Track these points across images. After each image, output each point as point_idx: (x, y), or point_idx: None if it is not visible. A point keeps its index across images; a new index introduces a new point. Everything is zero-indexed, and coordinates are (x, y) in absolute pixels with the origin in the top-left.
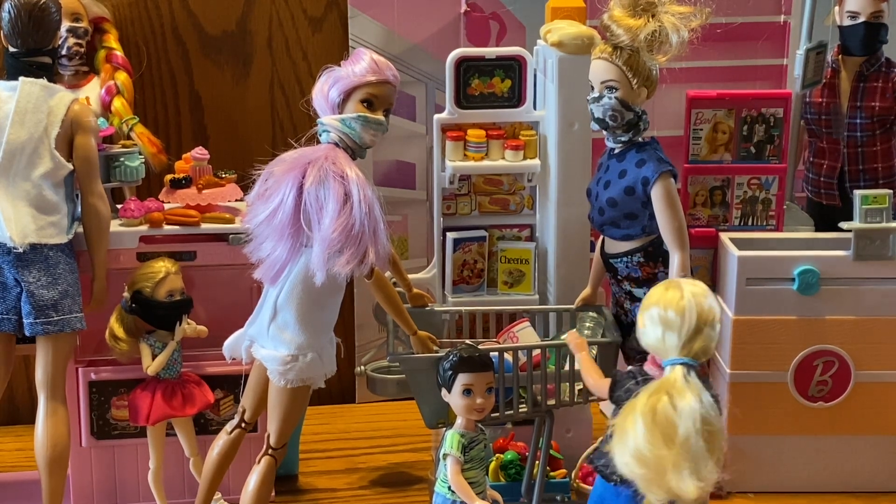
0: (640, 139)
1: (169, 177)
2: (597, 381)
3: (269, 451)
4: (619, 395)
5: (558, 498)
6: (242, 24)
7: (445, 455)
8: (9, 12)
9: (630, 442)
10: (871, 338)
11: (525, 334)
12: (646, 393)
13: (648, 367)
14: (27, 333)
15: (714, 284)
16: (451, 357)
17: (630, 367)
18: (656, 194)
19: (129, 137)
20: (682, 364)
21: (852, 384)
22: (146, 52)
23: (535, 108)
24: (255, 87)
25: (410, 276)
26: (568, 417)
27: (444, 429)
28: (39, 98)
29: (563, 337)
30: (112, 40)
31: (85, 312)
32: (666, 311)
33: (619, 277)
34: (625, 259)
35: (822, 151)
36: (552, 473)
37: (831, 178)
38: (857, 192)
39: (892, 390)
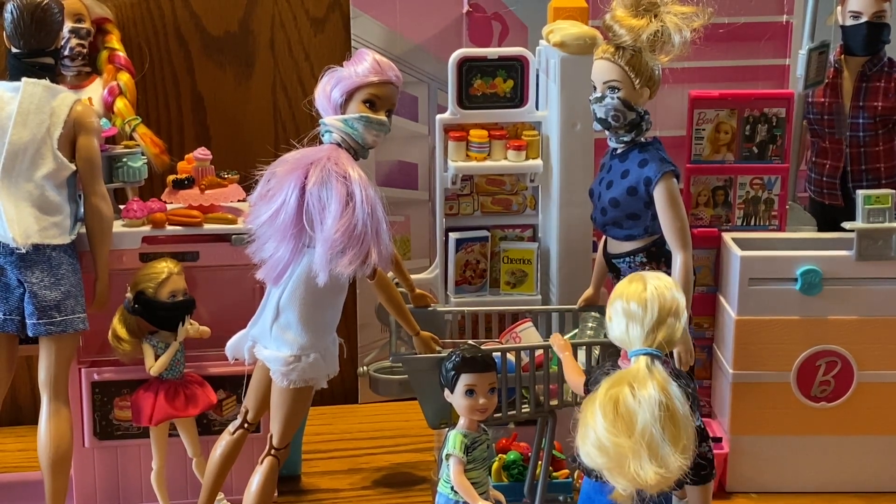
0: (642, 139)
1: (171, 177)
2: (577, 380)
3: (272, 451)
4: (589, 390)
5: (561, 498)
6: (245, 24)
7: (448, 455)
8: (11, 13)
9: (590, 432)
10: (873, 338)
11: (527, 334)
12: (606, 384)
13: (622, 362)
14: (30, 334)
15: (717, 284)
16: (453, 357)
17: (608, 363)
18: (659, 194)
19: (131, 138)
20: (645, 354)
21: (855, 384)
22: (148, 52)
23: (537, 108)
24: (257, 87)
25: (413, 277)
26: (571, 418)
27: (447, 429)
28: (42, 99)
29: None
30: (114, 41)
31: (88, 313)
32: (629, 303)
33: (621, 278)
34: (627, 259)
35: (824, 151)
36: (555, 474)
37: (834, 177)
38: (860, 192)
39: (894, 390)
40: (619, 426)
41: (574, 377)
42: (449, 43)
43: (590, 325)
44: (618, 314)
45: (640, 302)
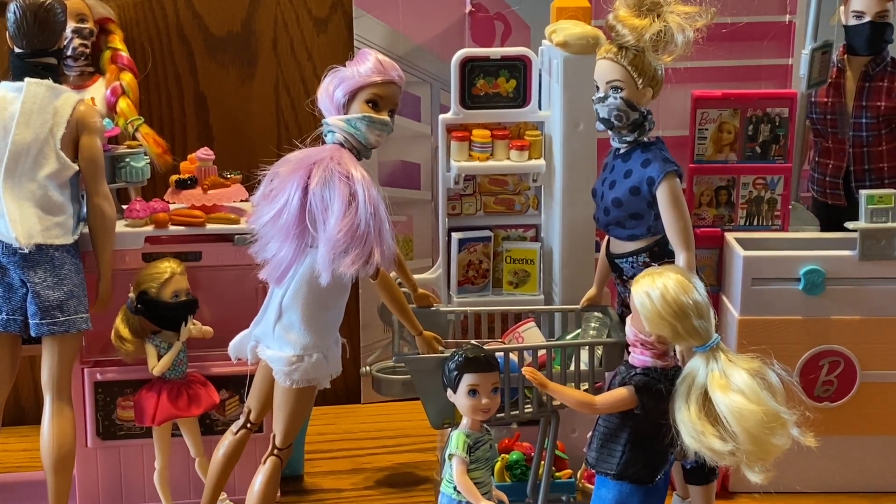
0: (645, 139)
1: (174, 177)
2: (582, 395)
3: (275, 451)
4: (646, 402)
5: (563, 498)
6: (247, 24)
7: (451, 455)
8: (14, 13)
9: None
10: (876, 338)
11: (530, 334)
12: (733, 369)
13: (649, 360)
14: (33, 334)
15: (719, 284)
16: (456, 357)
17: (636, 371)
18: (662, 194)
19: (134, 138)
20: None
21: (858, 384)
22: (151, 52)
23: (540, 108)
24: (260, 87)
25: (416, 277)
26: (573, 418)
27: (450, 429)
28: (45, 99)
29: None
30: (117, 41)
31: (90, 313)
32: (690, 296)
33: (624, 278)
34: (630, 259)
35: (827, 151)
36: (557, 474)
37: (837, 177)
38: (863, 192)
39: None
40: (767, 397)
41: (577, 394)
42: (451, 43)
43: (592, 325)
44: (688, 313)
45: (688, 293)
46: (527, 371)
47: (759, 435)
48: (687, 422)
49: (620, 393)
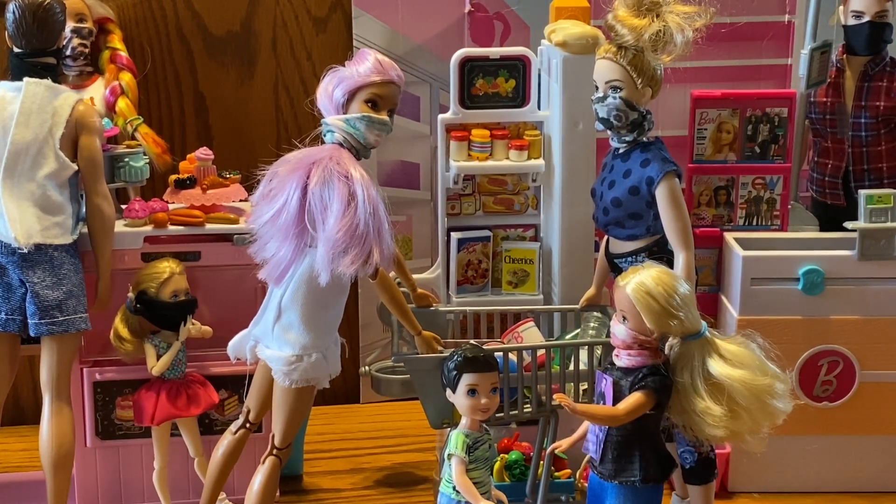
0: (644, 139)
1: (173, 177)
2: (609, 410)
3: (274, 451)
4: (664, 401)
5: (563, 498)
6: (247, 24)
7: (450, 455)
8: (13, 13)
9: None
10: (875, 337)
11: (529, 334)
12: (728, 346)
13: (648, 360)
14: (32, 334)
15: (719, 284)
16: (455, 357)
17: (643, 373)
18: (661, 194)
19: (133, 138)
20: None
21: (857, 384)
22: (151, 52)
23: (539, 108)
24: (259, 87)
25: (415, 277)
26: (572, 417)
27: (449, 429)
28: (44, 98)
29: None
30: (116, 41)
31: (90, 313)
32: (685, 286)
33: None
34: (630, 259)
35: (826, 151)
36: (557, 473)
37: (836, 177)
38: (862, 192)
39: None
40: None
41: (607, 411)
42: (451, 42)
43: (592, 324)
44: (681, 304)
45: (681, 283)
46: (559, 398)
47: (767, 401)
48: (707, 412)
49: (639, 399)
